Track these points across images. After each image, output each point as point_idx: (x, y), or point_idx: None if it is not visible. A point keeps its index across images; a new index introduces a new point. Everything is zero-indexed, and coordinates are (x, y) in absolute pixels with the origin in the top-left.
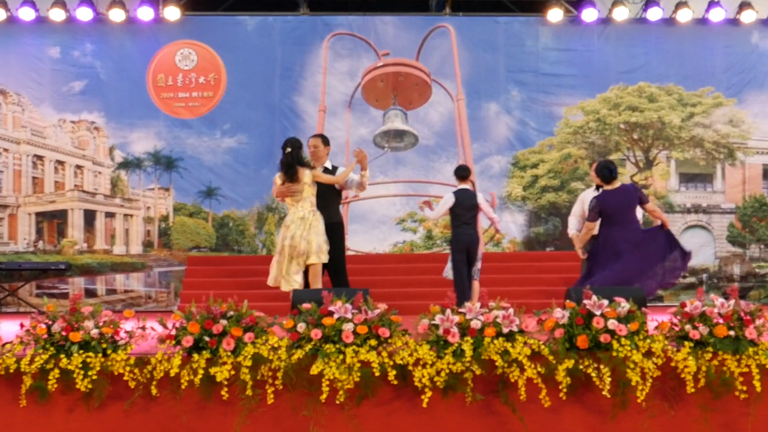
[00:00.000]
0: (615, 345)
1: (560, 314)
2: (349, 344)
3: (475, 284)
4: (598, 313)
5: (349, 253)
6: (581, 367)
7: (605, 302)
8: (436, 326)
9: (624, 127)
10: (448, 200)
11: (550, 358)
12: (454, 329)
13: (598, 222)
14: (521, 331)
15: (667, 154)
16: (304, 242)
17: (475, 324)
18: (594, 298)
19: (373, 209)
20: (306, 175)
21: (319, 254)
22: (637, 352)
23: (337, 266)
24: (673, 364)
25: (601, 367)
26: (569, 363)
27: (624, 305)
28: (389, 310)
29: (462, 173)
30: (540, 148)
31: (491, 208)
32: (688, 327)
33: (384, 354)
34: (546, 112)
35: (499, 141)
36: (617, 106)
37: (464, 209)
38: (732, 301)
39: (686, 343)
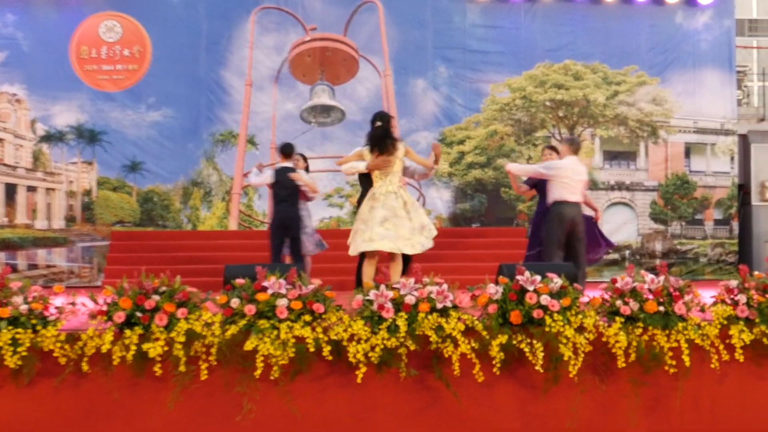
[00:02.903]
0: (548, 320)
1: (494, 290)
2: (283, 320)
3: (307, 259)
4: (531, 288)
5: None
6: (514, 342)
7: (538, 278)
8: (371, 302)
9: (550, 104)
10: (268, 176)
11: (484, 333)
12: (389, 305)
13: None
14: (455, 307)
15: (592, 131)
16: (407, 221)
17: (410, 299)
18: (527, 273)
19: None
20: (400, 149)
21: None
22: (569, 328)
23: None
24: (604, 339)
25: (534, 342)
26: (503, 338)
27: (556, 281)
28: (323, 285)
29: (285, 150)
30: (467, 124)
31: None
32: (619, 303)
33: (318, 329)
34: (473, 89)
35: (427, 117)
36: (543, 83)
37: (281, 187)
38: (662, 277)
39: (617, 318)
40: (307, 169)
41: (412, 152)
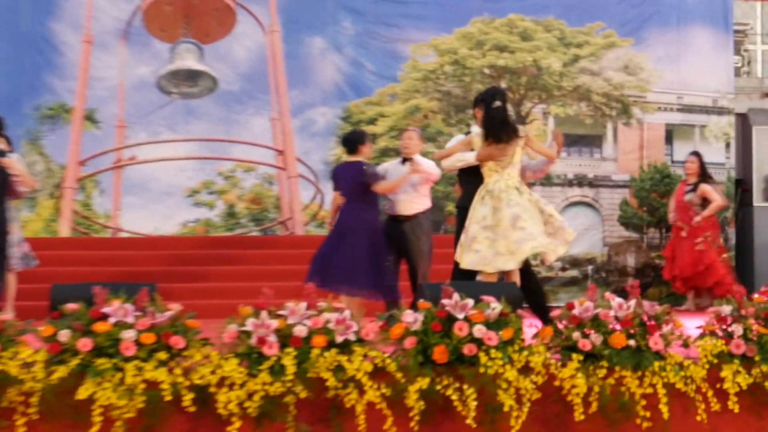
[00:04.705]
0: (483, 358)
1: (411, 318)
2: (129, 358)
3: (10, 278)
4: (460, 316)
5: (122, 234)
6: (439, 387)
7: (470, 302)
8: (248, 334)
9: (489, 72)
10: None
11: (399, 375)
12: (272, 338)
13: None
14: (360, 341)
15: (544, 108)
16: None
17: (300, 331)
18: (456, 296)
19: (156, 176)
20: (521, 136)
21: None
22: (512, 368)
23: None
24: (557, 383)
25: (465, 387)
26: (423, 382)
27: (494, 306)
28: (184, 312)
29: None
30: (379, 97)
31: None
32: (576, 335)
33: (177, 371)
34: (388, 51)
35: (326, 88)
36: (481, 44)
37: None
38: (633, 302)
39: (574, 355)
40: (10, 152)
41: (533, 139)
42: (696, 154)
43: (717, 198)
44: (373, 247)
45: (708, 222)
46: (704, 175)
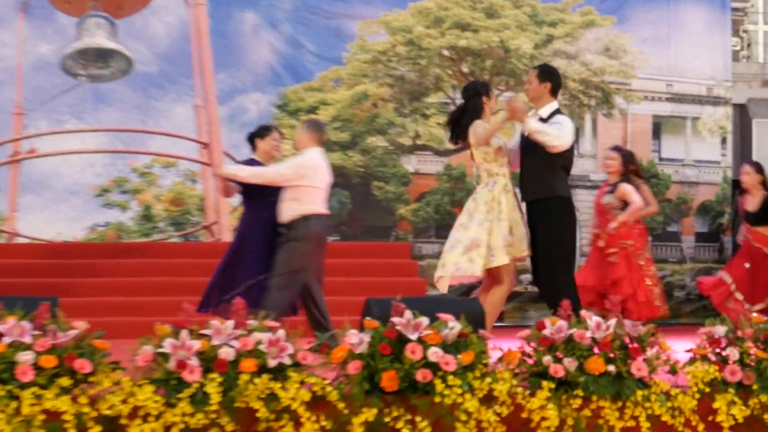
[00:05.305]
0: (439, 386)
1: (356, 339)
2: (26, 384)
3: None
4: (413, 337)
5: (20, 240)
6: (388, 419)
7: (425, 321)
8: (166, 356)
9: (449, 54)
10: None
11: (341, 405)
12: (194, 361)
13: None
14: (297, 365)
15: (512, 96)
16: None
17: (226, 353)
18: (408, 314)
19: (59, 172)
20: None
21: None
22: (472, 397)
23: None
24: (525, 414)
25: (418, 419)
26: (369, 413)
27: (453, 326)
28: (91, 330)
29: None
30: (322, 83)
31: None
32: (547, 359)
33: (82, 400)
34: (331, 29)
35: (259, 70)
36: (439, 21)
37: None
38: (613, 321)
39: (545, 383)
40: None
41: (480, 134)
42: (618, 149)
43: (636, 200)
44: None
45: (632, 229)
46: (627, 174)
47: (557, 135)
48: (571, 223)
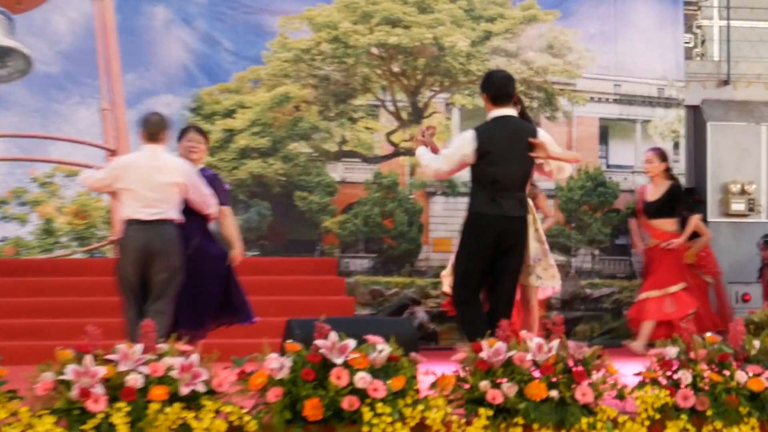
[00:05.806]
0: (366, 414)
1: (277, 363)
2: None
3: None
4: (339, 361)
5: None
6: None
7: (351, 343)
8: (68, 384)
9: (378, 52)
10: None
11: None
12: (99, 389)
13: None
14: (212, 392)
15: (447, 98)
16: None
17: (134, 380)
18: (332, 335)
19: None
20: None
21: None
22: (403, 426)
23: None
24: None
25: None
26: None
27: (382, 348)
28: None
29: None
30: (239, 84)
31: None
32: (484, 384)
33: None
34: (250, 25)
35: (171, 71)
36: (367, 17)
37: None
38: (556, 342)
39: (482, 410)
40: None
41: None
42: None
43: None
44: None
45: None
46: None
47: (426, 163)
48: (473, 239)
